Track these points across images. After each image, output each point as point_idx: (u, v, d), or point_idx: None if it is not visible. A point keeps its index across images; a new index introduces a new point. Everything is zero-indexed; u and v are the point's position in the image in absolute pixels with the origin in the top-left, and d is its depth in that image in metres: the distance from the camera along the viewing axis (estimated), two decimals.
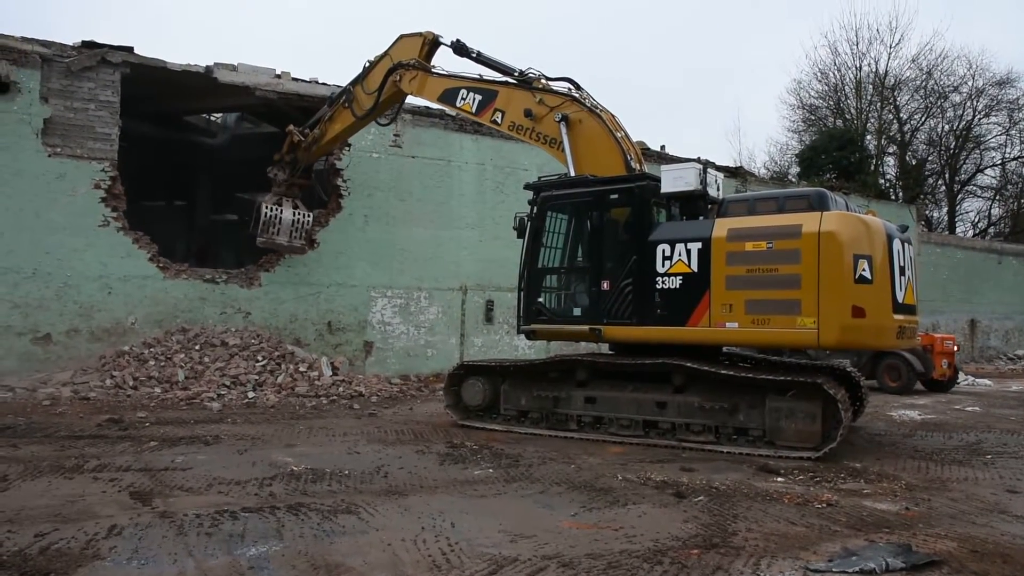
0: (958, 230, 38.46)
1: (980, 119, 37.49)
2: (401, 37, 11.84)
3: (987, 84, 36.62)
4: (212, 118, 19.64)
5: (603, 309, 9.23)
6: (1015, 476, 7.49)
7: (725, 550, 4.80)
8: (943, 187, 39.73)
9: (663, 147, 20.44)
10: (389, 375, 15.05)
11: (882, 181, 35.12)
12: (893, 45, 37.47)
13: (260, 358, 13.06)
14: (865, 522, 5.59)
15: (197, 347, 12.88)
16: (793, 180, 30.14)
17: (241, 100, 15.21)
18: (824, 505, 6.06)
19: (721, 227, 8.58)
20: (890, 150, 38.36)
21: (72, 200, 12.59)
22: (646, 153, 17.66)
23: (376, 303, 15.42)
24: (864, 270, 7.94)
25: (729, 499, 6.21)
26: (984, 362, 26.62)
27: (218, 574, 4.21)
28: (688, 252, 8.67)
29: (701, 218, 9.27)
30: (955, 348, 16.99)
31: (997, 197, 40.22)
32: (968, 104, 37.03)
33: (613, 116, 9.95)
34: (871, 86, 36.91)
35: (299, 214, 13.87)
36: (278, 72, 14.66)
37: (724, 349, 9.74)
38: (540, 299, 9.87)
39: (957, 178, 39.20)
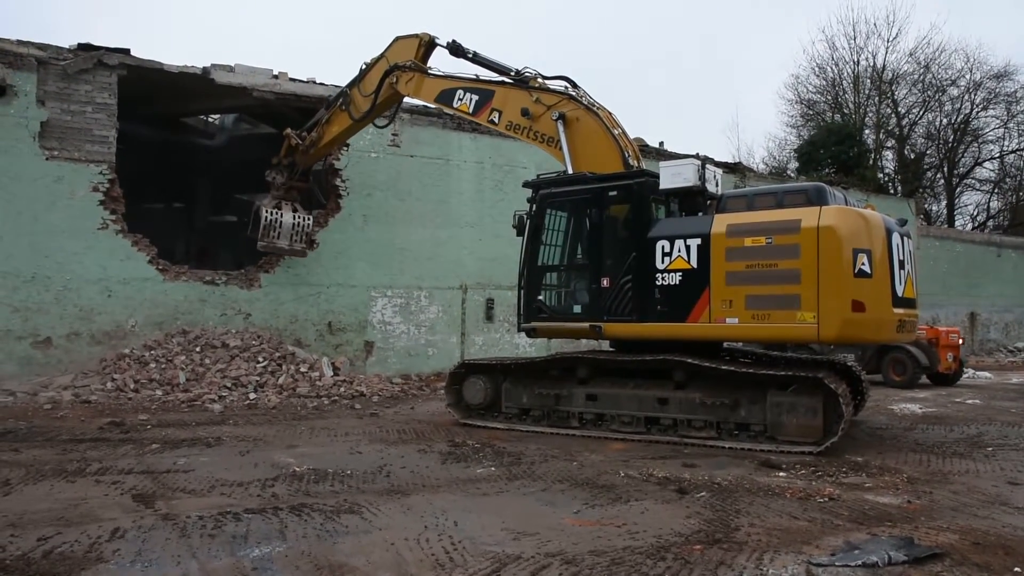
0: (957, 223, 38.50)
1: (978, 112, 37.55)
2: (397, 39, 11.84)
3: (985, 77, 36.69)
4: (210, 119, 19.62)
5: (603, 306, 9.23)
6: (1016, 468, 7.50)
7: (728, 545, 4.80)
8: (942, 181, 39.78)
9: (661, 143, 20.44)
10: (390, 375, 15.05)
11: (881, 175, 35.14)
12: (890, 39, 37.55)
13: (261, 359, 13.07)
14: (867, 516, 5.59)
15: (198, 349, 12.89)
16: (792, 175, 30.16)
17: (239, 101, 15.21)
18: (826, 499, 6.06)
19: (720, 223, 8.58)
20: (888, 144, 38.41)
21: (71, 203, 12.59)
22: (644, 150, 17.68)
23: (376, 303, 15.43)
24: (863, 264, 7.94)
25: (731, 494, 6.21)
26: (984, 355, 26.64)
27: None
28: (687, 248, 8.67)
29: (700, 214, 9.26)
30: (960, 341, 16.88)
31: (996, 190, 40.31)
32: (966, 97, 37.10)
33: (610, 113, 9.95)
34: (869, 80, 36.95)
35: (299, 217, 13.86)
36: (275, 73, 14.65)
37: (725, 345, 9.75)
38: (540, 297, 9.87)
39: (956, 171, 39.24)
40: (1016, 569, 4.40)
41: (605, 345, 10.26)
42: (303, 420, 10.32)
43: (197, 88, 14.33)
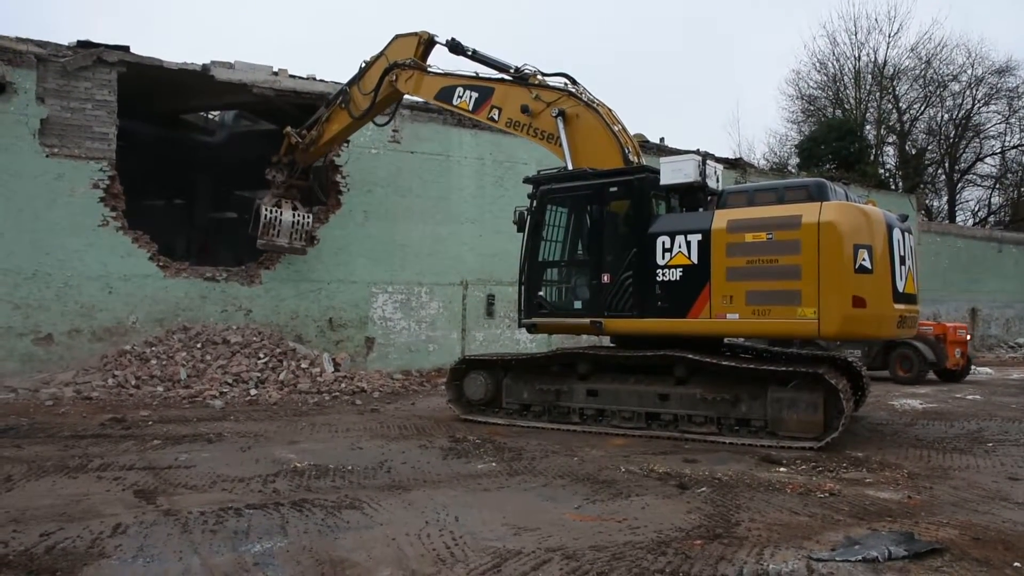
0: (958, 219, 38.48)
1: (979, 108, 37.52)
2: (396, 37, 11.83)
3: (986, 72, 36.64)
4: (210, 116, 19.60)
5: (604, 302, 9.23)
6: (1016, 464, 7.51)
7: (728, 540, 4.81)
8: (943, 176, 39.74)
9: (662, 139, 20.43)
10: (391, 370, 15.07)
11: (882, 171, 35.09)
12: (892, 34, 37.57)
13: (262, 355, 13.08)
14: (868, 511, 5.60)
15: (199, 345, 12.90)
16: (793, 171, 30.14)
17: (238, 98, 15.19)
18: (827, 494, 6.07)
19: (721, 218, 8.58)
20: (889, 140, 38.36)
21: (71, 200, 12.59)
22: (645, 146, 17.66)
23: (377, 299, 15.44)
24: (864, 260, 7.94)
25: (732, 489, 6.22)
26: (985, 350, 26.63)
27: (223, 571, 4.22)
28: (688, 244, 8.67)
29: (701, 210, 9.26)
30: (968, 337, 16.66)
31: (997, 186, 40.25)
32: (967, 93, 37.05)
33: (610, 110, 9.94)
34: (870, 76, 36.90)
35: (299, 215, 13.87)
36: (275, 69, 14.64)
37: (726, 340, 9.76)
38: (541, 293, 9.88)
39: (957, 167, 39.20)
40: (1016, 564, 4.41)
41: (606, 341, 10.27)
42: (304, 416, 10.34)
43: (197, 85, 14.31)
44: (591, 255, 9.58)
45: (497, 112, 10.47)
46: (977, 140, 38.62)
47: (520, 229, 9.97)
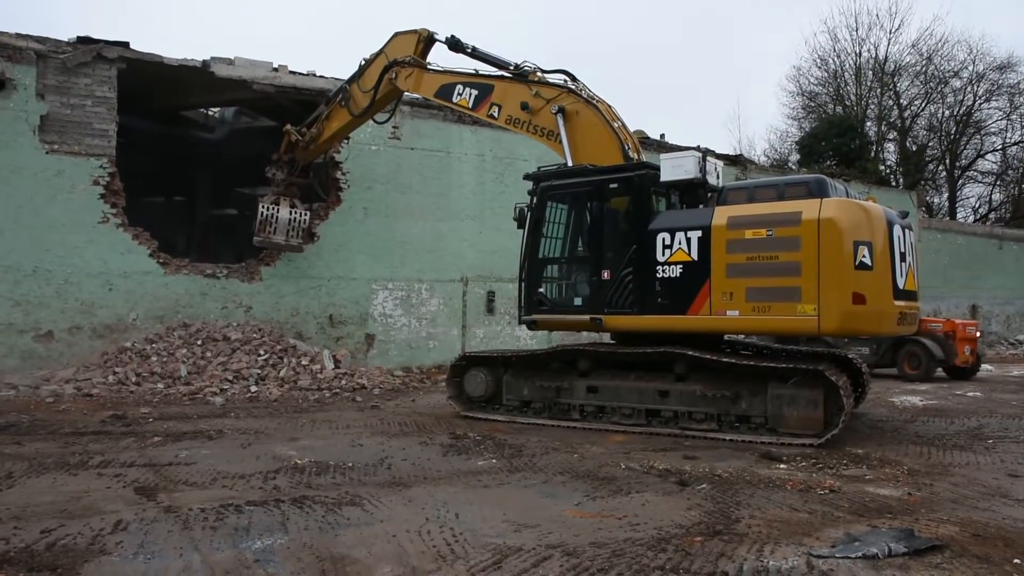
0: (959, 216, 38.44)
1: (981, 104, 37.46)
2: (396, 34, 11.82)
3: (988, 69, 36.59)
4: (210, 113, 19.58)
5: (604, 298, 9.23)
6: (1016, 460, 7.51)
7: (728, 537, 4.81)
8: (944, 173, 39.70)
9: (662, 136, 20.42)
10: (391, 367, 15.07)
11: (882, 167, 35.07)
12: (893, 30, 37.46)
13: (262, 352, 13.08)
14: (868, 508, 5.60)
15: (199, 342, 12.90)
16: (793, 167, 30.10)
17: (239, 94, 15.18)
18: (827, 491, 6.07)
19: (721, 215, 8.57)
20: (890, 136, 38.32)
21: (71, 197, 12.58)
22: (645, 142, 17.64)
23: (377, 296, 15.44)
24: (864, 256, 7.93)
25: (732, 486, 6.23)
26: (985, 347, 26.60)
27: (224, 567, 4.22)
28: (688, 240, 8.66)
29: (701, 206, 9.26)
30: (978, 334, 16.43)
31: (998, 182, 40.22)
32: (968, 89, 36.99)
33: (610, 106, 9.93)
34: (871, 72, 36.86)
35: (296, 212, 13.87)
36: (275, 66, 14.62)
37: (726, 337, 9.75)
38: (541, 289, 9.88)
39: (958, 164, 39.16)
40: (1016, 561, 4.41)
41: (606, 337, 10.27)
42: (304, 413, 10.35)
43: (197, 81, 14.30)
44: (591, 252, 9.58)
45: (497, 109, 10.46)
46: (978, 136, 38.61)
47: (520, 226, 9.97)
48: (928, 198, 35.73)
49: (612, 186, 9.35)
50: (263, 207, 13.61)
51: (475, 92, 10.67)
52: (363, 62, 12.20)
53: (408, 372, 15.16)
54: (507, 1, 75.33)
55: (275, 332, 13.85)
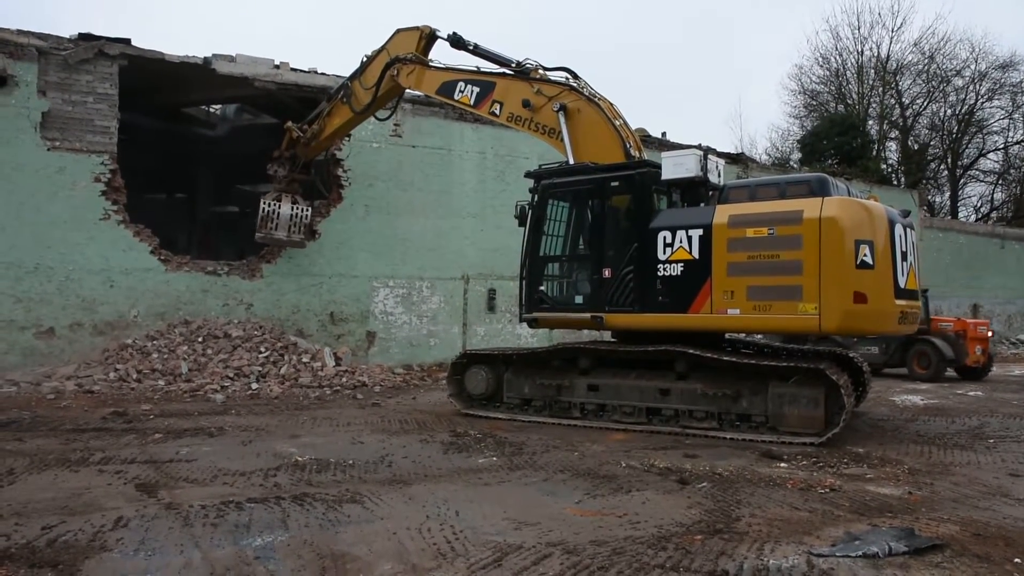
0: (960, 215, 38.40)
1: (983, 103, 37.40)
2: (398, 31, 11.81)
3: (990, 67, 36.53)
4: (211, 110, 19.60)
5: (605, 297, 9.23)
6: (1017, 460, 7.51)
7: (729, 535, 4.81)
8: (945, 172, 39.64)
9: (664, 134, 20.40)
10: (392, 365, 15.08)
11: (884, 166, 35.02)
12: (895, 29, 37.54)
13: (263, 349, 13.09)
14: (868, 507, 5.61)
15: (200, 339, 12.91)
16: (795, 166, 30.07)
17: (240, 91, 15.18)
18: (827, 490, 6.07)
19: (722, 213, 8.56)
20: (892, 135, 38.26)
21: (72, 194, 12.59)
22: (647, 140, 17.62)
23: (378, 293, 15.44)
24: (866, 255, 7.92)
25: (732, 485, 6.23)
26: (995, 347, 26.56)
27: (224, 564, 4.23)
28: (689, 239, 8.65)
29: (702, 205, 9.25)
30: (990, 334, 16.21)
31: (1000, 181, 40.15)
32: (971, 88, 36.94)
33: (612, 104, 9.92)
34: (873, 71, 36.81)
35: (297, 208, 13.87)
36: (277, 63, 14.61)
37: (727, 335, 9.75)
38: (542, 287, 9.88)
39: (959, 163, 39.10)
40: (1016, 560, 4.42)
41: (607, 336, 10.27)
42: (305, 410, 10.35)
43: (198, 78, 14.30)
44: (592, 250, 9.57)
45: (499, 107, 10.45)
46: (980, 136, 38.55)
47: (521, 223, 9.97)
48: (930, 197, 35.71)
49: (613, 184, 9.34)
50: (265, 203, 13.62)
51: (477, 89, 10.66)
52: (365, 59, 12.20)
53: (409, 370, 15.17)
54: (507, 1, 75.28)
55: (276, 329, 13.86)
